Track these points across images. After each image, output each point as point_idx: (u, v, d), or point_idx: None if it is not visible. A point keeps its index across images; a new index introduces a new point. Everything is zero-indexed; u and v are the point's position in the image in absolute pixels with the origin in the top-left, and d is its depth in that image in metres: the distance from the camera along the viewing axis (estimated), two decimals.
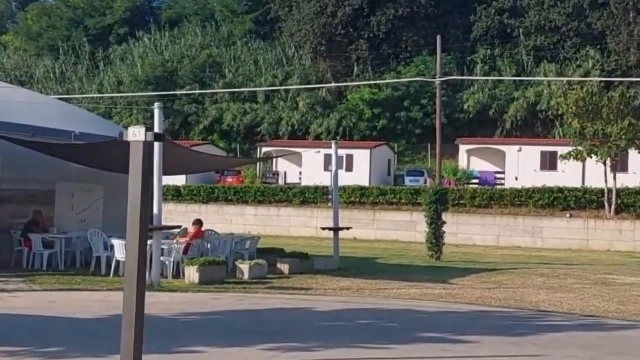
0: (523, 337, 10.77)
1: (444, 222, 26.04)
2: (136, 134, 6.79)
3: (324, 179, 40.93)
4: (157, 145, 15.22)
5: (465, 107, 55.80)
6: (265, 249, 21.36)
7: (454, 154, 49.25)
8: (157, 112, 16.14)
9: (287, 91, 59.18)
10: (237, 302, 13.93)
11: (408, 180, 46.64)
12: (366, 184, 43.83)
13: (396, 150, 53.79)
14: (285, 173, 49.28)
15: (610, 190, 36.34)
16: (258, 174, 49.51)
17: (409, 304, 14.14)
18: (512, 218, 37.64)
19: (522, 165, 45.76)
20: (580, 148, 37.53)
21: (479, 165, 47.63)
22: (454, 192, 38.51)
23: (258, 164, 50.80)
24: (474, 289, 16.80)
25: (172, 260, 17.45)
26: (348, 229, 23.70)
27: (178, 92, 58.34)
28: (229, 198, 42.68)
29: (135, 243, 6.68)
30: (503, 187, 42.85)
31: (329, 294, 15.56)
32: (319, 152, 45.04)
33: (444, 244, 26.04)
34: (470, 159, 48.02)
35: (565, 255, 30.93)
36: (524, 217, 37.53)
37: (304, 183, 45.49)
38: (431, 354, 9.32)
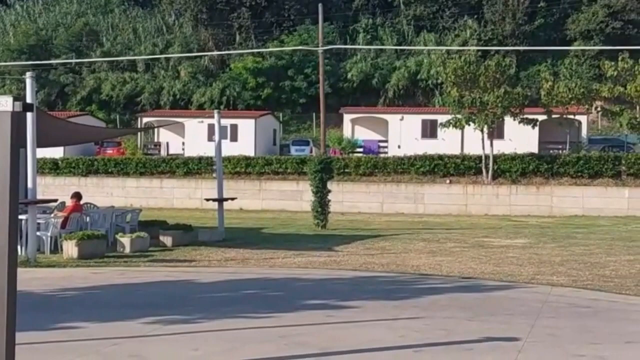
0: (404, 300, 10.99)
1: (329, 191, 26.25)
2: (2, 104, 6.41)
3: (208, 149, 40.45)
4: (29, 115, 14.61)
5: (349, 76, 56.31)
6: (147, 221, 20.93)
7: (339, 123, 49.68)
8: (28, 82, 15.42)
9: (167, 60, 57.98)
10: (117, 275, 13.59)
11: (294, 150, 46.74)
12: (251, 153, 43.65)
13: (281, 119, 53.76)
14: (168, 144, 48.42)
15: (487, 157, 37.55)
16: (139, 145, 48.41)
17: (294, 272, 14.18)
18: (395, 185, 38.35)
19: (404, 134, 46.64)
20: (458, 116, 38.51)
21: (363, 134, 48.25)
22: (339, 161, 38.86)
23: (139, 134, 49.66)
24: (358, 255, 17.03)
25: (49, 234, 16.85)
26: (232, 199, 23.55)
27: (53, 61, 56.11)
28: (109, 170, 41.58)
29: (5, 218, 6.35)
30: (386, 155, 43.57)
31: (214, 265, 15.41)
32: (202, 121, 44.47)
33: (330, 212, 26.28)
34: (355, 127, 48.57)
35: (445, 220, 31.83)
36: (406, 184, 38.31)
37: (187, 154, 44.87)
38: (315, 321, 9.37)
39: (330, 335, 8.63)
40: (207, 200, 23.48)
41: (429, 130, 45.81)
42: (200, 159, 40.92)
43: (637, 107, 38.72)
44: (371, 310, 10.07)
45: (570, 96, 38.96)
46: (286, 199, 38.57)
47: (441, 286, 12.43)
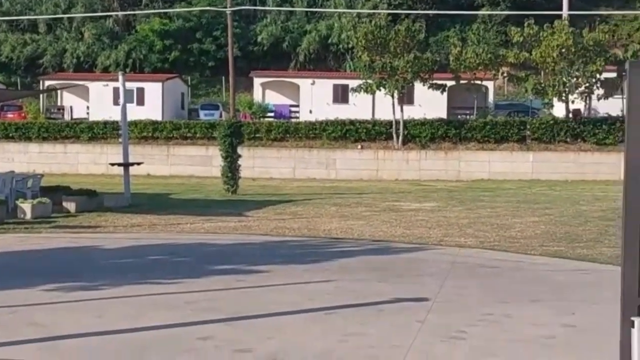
0: (315, 264, 10.89)
1: (240, 156, 25.95)
2: None
3: (114, 114, 39.27)
4: None
5: (259, 39, 55.63)
6: (49, 187, 20.18)
7: (249, 87, 49.10)
8: None
9: (70, 21, 55.94)
10: (17, 242, 13.02)
11: (203, 114, 45.97)
12: (159, 118, 42.71)
13: (189, 83, 52.76)
14: (72, 108, 46.85)
15: (397, 122, 37.84)
16: (41, 109, 46.67)
17: (203, 238, 13.91)
18: (306, 150, 38.25)
19: (315, 99, 46.42)
20: (369, 81, 38.56)
21: (274, 99, 47.83)
22: (250, 126, 38.46)
23: (41, 97, 47.87)
24: (269, 220, 16.85)
25: None
26: (139, 164, 22.95)
27: None
28: (10, 135, 40.01)
29: None
30: (298, 120, 43.36)
31: (119, 231, 14.96)
32: (107, 85, 43.12)
33: (240, 177, 25.98)
34: (265, 92, 48.07)
35: (356, 185, 31.95)
36: (318, 149, 38.29)
37: (91, 118, 43.55)
38: (224, 286, 9.16)
39: (240, 300, 8.44)
40: (112, 165, 22.82)
41: (341, 95, 45.74)
42: (105, 123, 39.80)
43: (542, 73, 39.60)
44: (282, 275, 9.93)
45: (477, 62, 39.42)
46: (195, 164, 37.98)
47: (352, 249, 12.39)
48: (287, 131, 39.11)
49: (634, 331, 5.17)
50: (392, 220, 16.65)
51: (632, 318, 5.18)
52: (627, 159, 5.21)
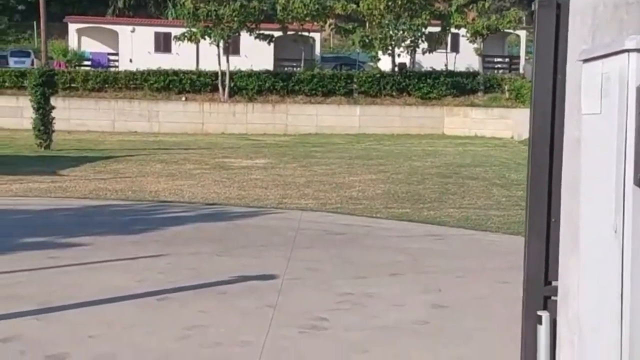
0: (144, 233, 9.61)
1: (53, 107, 23.95)
2: None
3: None
4: None
5: None
6: None
7: (63, 34, 45.78)
8: None
9: None
10: None
11: (12, 62, 42.40)
12: None
13: None
14: None
15: (223, 73, 36.53)
16: None
17: (10, 203, 12.17)
18: (127, 102, 36.23)
19: (135, 47, 43.96)
20: (194, 29, 37.00)
21: (91, 46, 44.84)
22: (65, 75, 35.92)
23: None
24: (88, 180, 15.24)
25: None
26: None
27: None
28: None
29: None
30: (117, 69, 40.90)
31: None
32: None
33: (54, 130, 24.01)
34: (81, 38, 44.94)
35: (182, 139, 30.51)
36: (140, 100, 36.37)
37: None
38: (34, 265, 7.69)
39: (53, 283, 7.06)
40: None
41: (163, 44, 43.53)
42: None
43: (368, 25, 39.44)
44: (105, 248, 8.58)
45: (305, 12, 38.60)
46: (5, 116, 34.88)
47: (184, 215, 11.18)
48: (106, 81, 36.85)
49: (541, 328, 4.38)
50: (224, 180, 15.53)
51: (539, 312, 4.41)
52: (532, 114, 4.37)
